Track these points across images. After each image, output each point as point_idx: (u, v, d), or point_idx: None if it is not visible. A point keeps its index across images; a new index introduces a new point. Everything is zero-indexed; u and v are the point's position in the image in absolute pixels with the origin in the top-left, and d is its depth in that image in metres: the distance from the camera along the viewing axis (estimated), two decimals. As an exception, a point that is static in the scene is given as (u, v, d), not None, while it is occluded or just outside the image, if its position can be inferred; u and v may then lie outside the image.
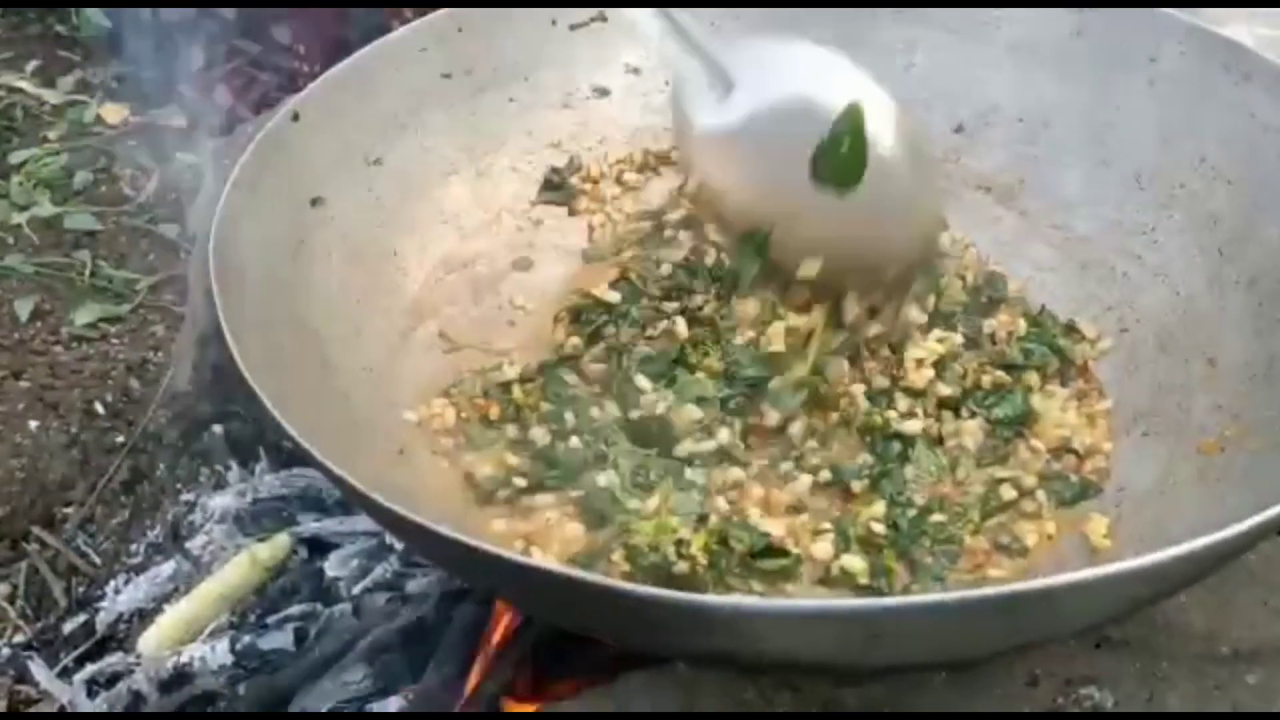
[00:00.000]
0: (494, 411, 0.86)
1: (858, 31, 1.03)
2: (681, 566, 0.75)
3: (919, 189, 0.86)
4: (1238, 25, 1.23)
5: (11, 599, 1.16)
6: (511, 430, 0.86)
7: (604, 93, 1.04)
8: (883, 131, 0.82)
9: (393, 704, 0.91)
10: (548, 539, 0.79)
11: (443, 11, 0.99)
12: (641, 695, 0.78)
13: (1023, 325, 0.91)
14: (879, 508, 0.80)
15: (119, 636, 1.05)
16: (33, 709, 1.04)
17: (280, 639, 0.97)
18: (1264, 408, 0.79)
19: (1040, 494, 0.81)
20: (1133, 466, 0.82)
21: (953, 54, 1.01)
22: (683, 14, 0.86)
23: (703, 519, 0.79)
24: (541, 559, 0.76)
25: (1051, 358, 0.89)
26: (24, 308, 1.47)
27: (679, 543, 0.76)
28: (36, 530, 1.21)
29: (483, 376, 0.89)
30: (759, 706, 0.77)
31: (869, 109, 0.81)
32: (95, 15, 1.83)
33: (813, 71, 0.84)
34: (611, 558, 0.76)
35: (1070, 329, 0.91)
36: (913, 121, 0.86)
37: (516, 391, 0.87)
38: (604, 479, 0.81)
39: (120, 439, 1.29)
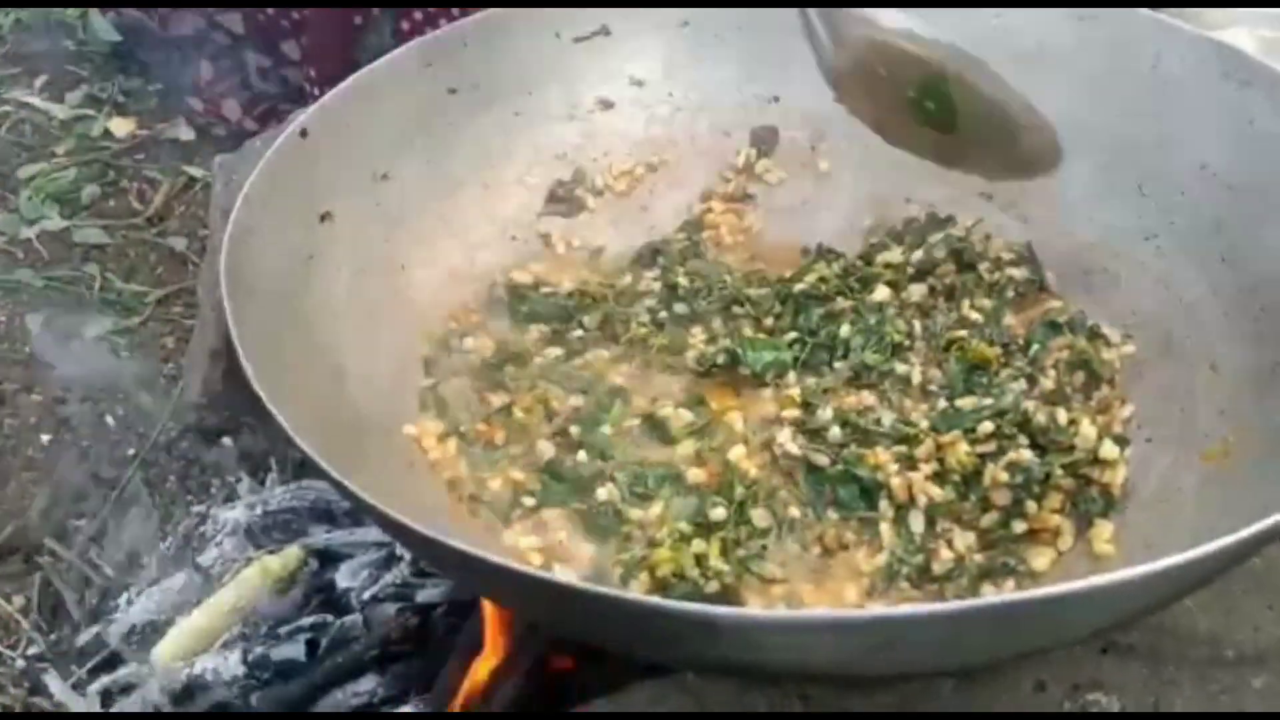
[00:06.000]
0: (499, 436, 0.87)
1: (861, 41, 1.04)
2: (713, 585, 0.76)
3: (1012, 116, 0.94)
4: (1241, 28, 1.23)
5: (25, 611, 1.17)
6: (516, 448, 0.86)
7: (608, 105, 1.05)
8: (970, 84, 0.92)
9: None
10: (563, 553, 0.80)
11: (447, 27, 1.00)
12: (650, 704, 0.79)
13: (1042, 332, 0.91)
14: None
15: (132, 648, 1.05)
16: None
17: (292, 650, 0.97)
18: (1267, 414, 0.80)
19: (1057, 519, 0.80)
20: (1136, 473, 0.82)
21: (956, 63, 1.02)
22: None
23: (710, 526, 0.80)
24: (545, 571, 0.77)
25: (1079, 373, 0.88)
26: (35, 321, 1.48)
27: (698, 559, 0.77)
28: (49, 543, 1.22)
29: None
30: (768, 713, 0.78)
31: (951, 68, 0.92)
32: (103, 29, 1.84)
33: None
34: (638, 578, 0.77)
35: (1095, 334, 0.91)
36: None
37: (518, 413, 0.88)
38: (604, 493, 0.82)
39: (131, 451, 1.30)
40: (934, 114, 0.93)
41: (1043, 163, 0.93)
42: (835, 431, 0.85)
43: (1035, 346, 0.91)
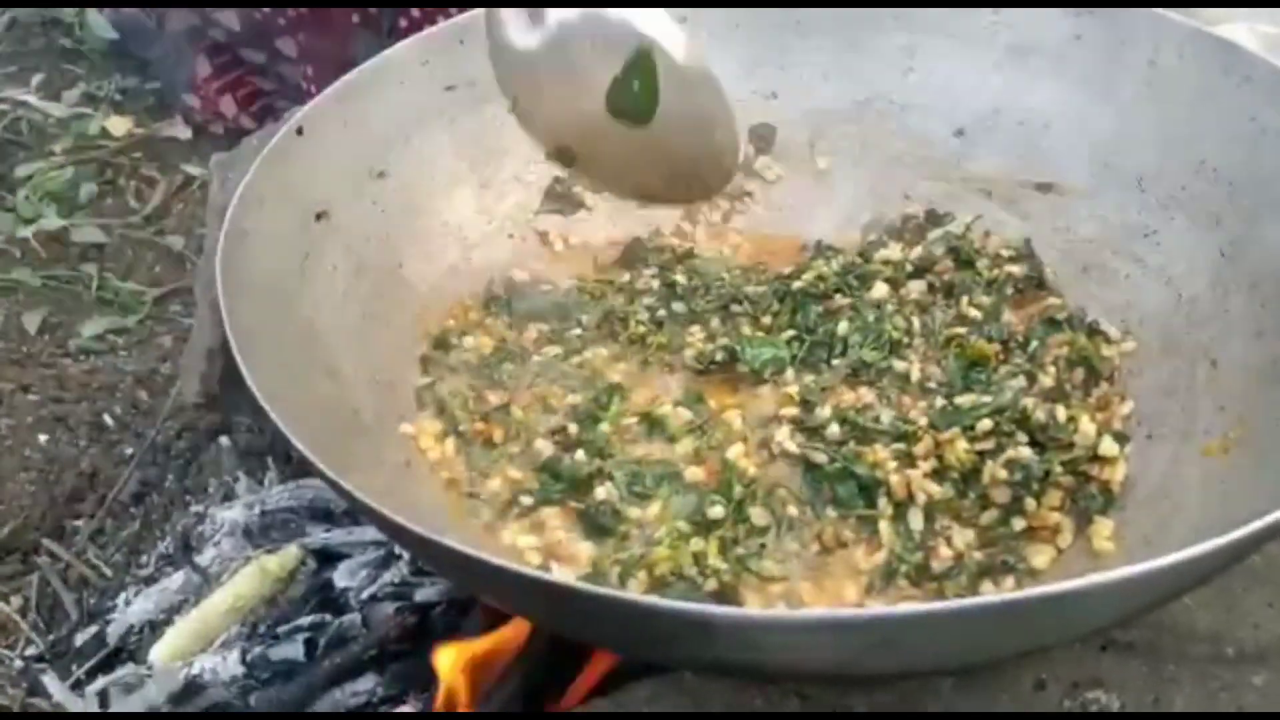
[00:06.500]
0: (497, 435, 0.87)
1: (858, 37, 1.04)
2: (711, 584, 0.76)
3: (711, 124, 0.94)
4: (1239, 23, 1.23)
5: (23, 612, 1.17)
6: (514, 447, 0.86)
7: (605, 101, 1.04)
8: (677, 70, 0.91)
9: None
10: (561, 552, 0.80)
11: (444, 24, 0.99)
12: (648, 703, 0.78)
13: (1041, 329, 0.91)
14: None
15: (130, 648, 1.05)
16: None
17: (290, 649, 0.97)
18: (1267, 409, 0.79)
19: (1057, 516, 0.80)
20: (1137, 469, 0.82)
21: (952, 59, 1.02)
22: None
23: (708, 525, 0.80)
24: (541, 571, 0.77)
25: (1079, 369, 0.88)
26: (32, 321, 1.48)
27: (697, 558, 0.76)
28: (47, 543, 1.22)
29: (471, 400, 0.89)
30: (766, 712, 0.77)
31: (663, 48, 0.90)
32: (100, 28, 1.83)
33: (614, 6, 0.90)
34: (637, 577, 0.77)
35: (1094, 331, 0.91)
36: (706, 62, 0.93)
37: (516, 411, 0.88)
38: (602, 491, 0.82)
39: (129, 451, 1.30)
40: (635, 97, 0.91)
41: (719, 175, 0.95)
42: (834, 429, 0.84)
43: (1034, 343, 0.91)
